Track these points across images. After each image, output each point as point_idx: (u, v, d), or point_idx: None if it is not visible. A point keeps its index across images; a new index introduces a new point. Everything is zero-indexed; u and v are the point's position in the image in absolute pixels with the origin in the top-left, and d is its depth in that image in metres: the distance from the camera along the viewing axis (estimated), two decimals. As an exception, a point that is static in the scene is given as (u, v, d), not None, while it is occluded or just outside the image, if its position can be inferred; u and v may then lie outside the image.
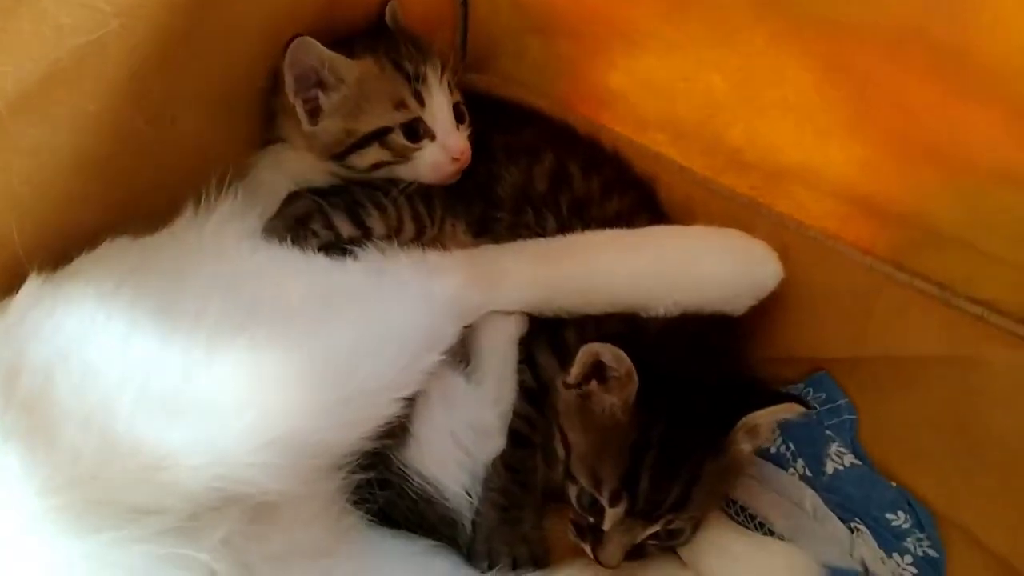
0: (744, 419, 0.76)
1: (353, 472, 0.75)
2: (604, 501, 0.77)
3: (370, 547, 0.80)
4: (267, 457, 0.63)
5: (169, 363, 0.65)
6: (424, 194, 0.93)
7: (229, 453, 0.63)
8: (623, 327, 0.84)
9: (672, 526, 0.78)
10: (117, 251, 0.76)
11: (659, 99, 0.99)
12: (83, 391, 0.63)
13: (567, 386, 0.81)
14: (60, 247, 0.76)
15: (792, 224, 0.93)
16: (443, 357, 0.80)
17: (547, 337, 0.89)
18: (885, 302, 0.87)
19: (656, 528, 0.78)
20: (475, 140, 0.96)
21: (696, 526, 0.81)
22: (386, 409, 0.73)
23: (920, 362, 0.86)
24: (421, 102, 0.91)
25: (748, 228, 0.93)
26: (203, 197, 0.84)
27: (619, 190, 0.96)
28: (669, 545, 0.82)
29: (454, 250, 0.90)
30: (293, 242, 0.85)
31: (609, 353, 0.76)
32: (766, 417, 0.78)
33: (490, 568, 0.83)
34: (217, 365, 0.66)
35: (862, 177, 0.86)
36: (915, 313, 0.86)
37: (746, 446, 0.80)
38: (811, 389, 0.94)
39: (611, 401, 0.78)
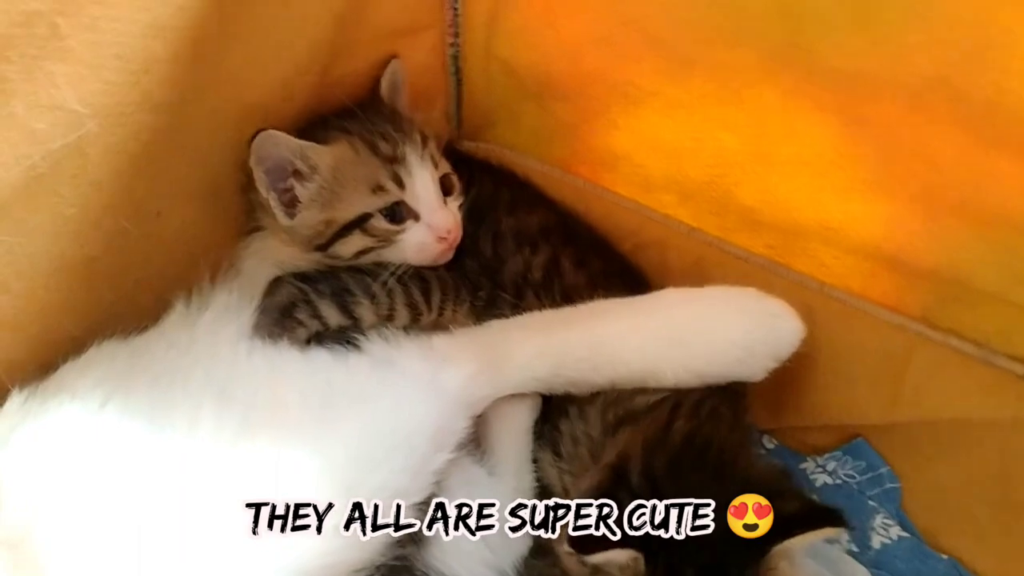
0: (775, 549, 0.67)
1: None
2: None
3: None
4: None
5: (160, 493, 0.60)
6: (420, 277, 0.87)
7: None
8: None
9: None
10: (104, 357, 0.72)
11: (665, 159, 0.94)
12: (68, 530, 0.58)
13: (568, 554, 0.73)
14: (44, 356, 0.71)
15: (813, 284, 0.88)
16: (453, 455, 0.75)
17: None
18: (918, 363, 0.83)
19: None
20: (482, 217, 0.92)
21: None
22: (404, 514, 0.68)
23: (959, 424, 0.81)
24: (400, 184, 0.85)
25: (766, 290, 0.87)
26: (194, 292, 0.79)
27: (604, 284, 0.90)
28: None
29: (456, 330, 0.84)
30: (282, 335, 0.79)
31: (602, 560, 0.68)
32: (801, 542, 0.68)
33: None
34: (222, 486, 0.61)
35: (886, 234, 0.82)
36: (951, 373, 0.81)
37: (784, 564, 0.69)
38: (850, 457, 0.89)
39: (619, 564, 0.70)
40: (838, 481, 0.89)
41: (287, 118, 0.86)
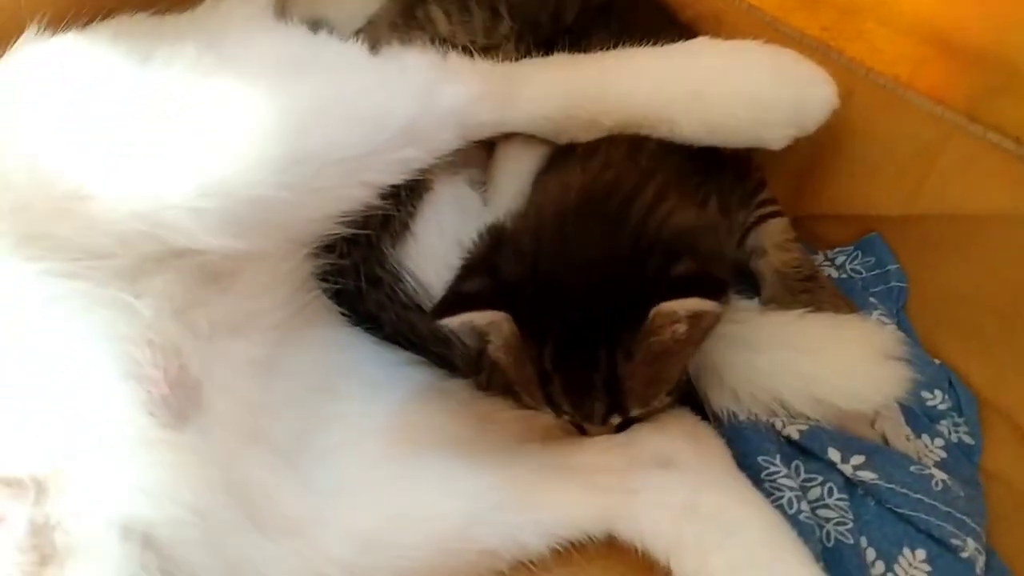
0: (652, 313, 0.63)
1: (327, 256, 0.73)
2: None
3: (344, 344, 0.78)
4: (196, 201, 0.60)
5: (114, 96, 0.63)
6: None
7: (152, 189, 0.60)
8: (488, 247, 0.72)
9: (636, 414, 0.71)
10: (130, 21, 0.75)
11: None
12: (17, 119, 0.62)
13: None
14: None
15: (861, 70, 0.82)
16: (433, 160, 0.75)
17: None
18: (950, 155, 0.77)
19: (617, 420, 0.72)
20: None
21: (671, 394, 0.73)
22: (352, 190, 0.69)
23: (980, 221, 0.76)
24: None
25: None
26: None
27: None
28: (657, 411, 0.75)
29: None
30: None
31: (457, 324, 0.68)
32: (678, 309, 0.63)
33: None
34: (161, 104, 0.63)
35: (938, 7, 0.76)
36: (982, 167, 0.75)
37: (680, 327, 0.65)
38: (860, 252, 0.85)
39: (498, 345, 0.70)
40: (844, 276, 0.85)
41: None
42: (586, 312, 0.65)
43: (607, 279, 0.66)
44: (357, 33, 0.86)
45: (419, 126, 0.74)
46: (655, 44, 0.82)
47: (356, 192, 0.70)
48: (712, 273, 0.64)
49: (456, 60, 0.80)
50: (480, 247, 0.73)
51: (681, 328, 0.65)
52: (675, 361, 0.69)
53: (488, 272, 0.69)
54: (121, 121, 0.62)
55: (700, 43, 0.79)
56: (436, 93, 0.76)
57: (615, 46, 0.81)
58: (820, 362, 0.72)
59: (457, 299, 0.69)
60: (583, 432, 0.76)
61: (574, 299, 0.66)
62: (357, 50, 0.76)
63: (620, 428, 0.75)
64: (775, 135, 0.76)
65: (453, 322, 0.69)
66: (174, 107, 0.64)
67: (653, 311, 0.63)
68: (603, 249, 0.67)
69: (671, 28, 0.90)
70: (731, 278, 0.69)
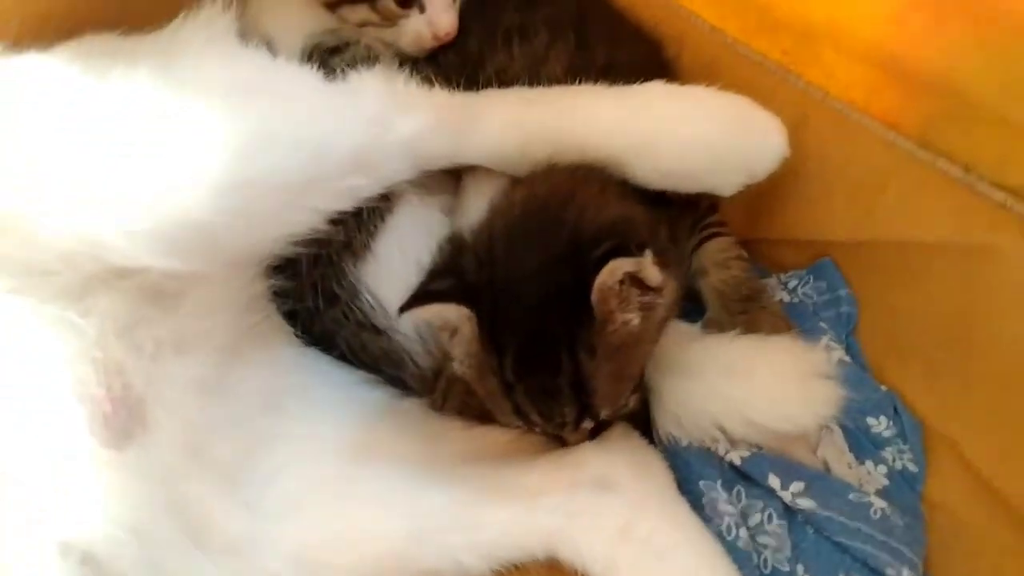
0: (593, 299, 0.65)
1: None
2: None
3: (294, 364, 0.78)
4: (133, 224, 0.61)
5: (59, 117, 0.63)
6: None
7: (91, 210, 0.61)
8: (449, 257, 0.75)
9: (606, 416, 0.72)
10: (96, 39, 0.75)
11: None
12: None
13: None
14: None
15: (817, 94, 0.83)
16: (383, 188, 0.76)
17: None
18: (901, 181, 0.77)
19: (590, 425, 0.73)
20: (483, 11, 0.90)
21: (634, 392, 0.74)
22: (296, 215, 0.70)
23: (927, 249, 0.76)
24: None
25: (771, 96, 0.83)
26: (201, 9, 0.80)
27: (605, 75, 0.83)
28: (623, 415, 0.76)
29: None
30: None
31: (424, 315, 0.71)
32: (607, 280, 0.64)
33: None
34: (105, 127, 0.64)
35: (889, 34, 0.76)
36: (930, 194, 0.75)
37: (631, 317, 0.67)
38: (812, 276, 0.86)
39: (462, 358, 0.72)
40: (796, 299, 0.85)
41: None
42: (541, 319, 0.67)
43: (554, 283, 0.68)
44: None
45: (369, 155, 0.74)
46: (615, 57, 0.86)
47: (300, 217, 0.71)
48: (626, 239, 0.66)
49: (413, 90, 0.80)
50: (444, 254, 0.76)
51: (634, 320, 0.67)
52: (636, 355, 0.71)
53: (454, 275, 0.72)
54: (64, 142, 0.63)
55: (654, 88, 0.79)
56: (389, 123, 0.76)
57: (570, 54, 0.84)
58: (749, 385, 0.73)
59: (426, 295, 0.71)
60: (563, 444, 0.77)
61: (527, 308, 0.68)
62: (311, 76, 0.76)
63: (593, 434, 0.76)
64: (726, 182, 0.77)
65: (422, 314, 0.71)
66: (117, 129, 0.64)
67: (593, 296, 0.65)
68: (546, 255, 0.69)
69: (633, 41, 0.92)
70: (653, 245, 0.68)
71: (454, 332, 0.71)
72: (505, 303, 0.68)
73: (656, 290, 0.67)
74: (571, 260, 0.67)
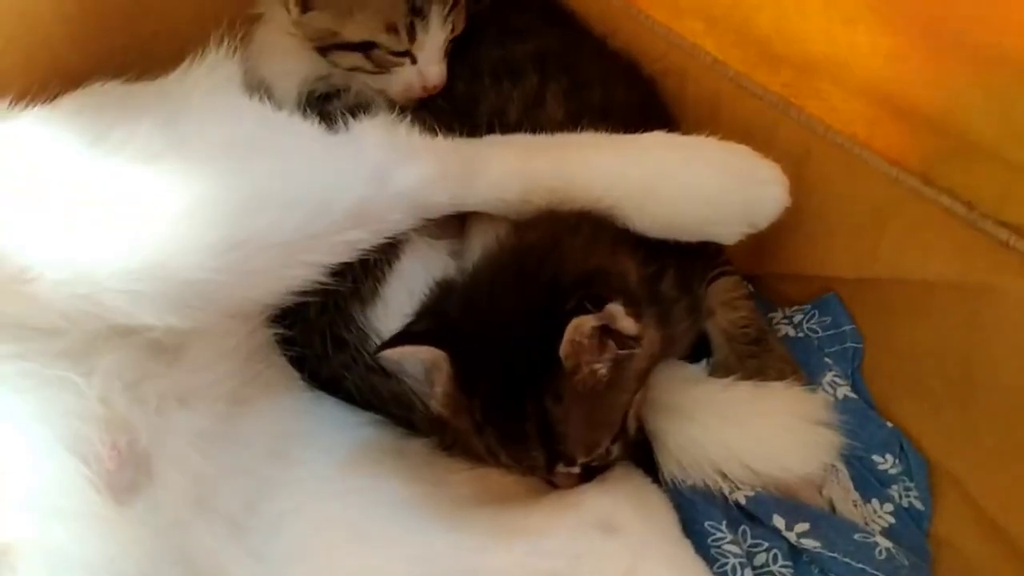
0: (561, 353, 0.65)
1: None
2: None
3: (299, 409, 0.79)
4: (133, 285, 0.62)
5: (61, 179, 0.65)
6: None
7: (90, 272, 0.62)
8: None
9: (589, 461, 0.73)
10: (99, 91, 0.77)
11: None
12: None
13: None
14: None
15: (820, 128, 0.83)
16: (381, 240, 0.75)
17: None
18: (904, 218, 0.77)
19: (569, 470, 0.73)
20: (464, 51, 0.91)
21: (616, 442, 0.73)
22: (293, 271, 0.70)
23: (929, 287, 0.76)
24: (412, 37, 0.85)
25: (773, 130, 0.85)
26: (205, 54, 0.82)
27: (601, 117, 0.83)
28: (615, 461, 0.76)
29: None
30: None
31: (397, 355, 0.72)
32: (574, 336, 0.65)
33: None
34: (106, 188, 0.65)
35: (888, 71, 0.75)
36: (933, 232, 0.76)
37: (598, 366, 0.67)
38: (817, 311, 0.85)
39: (439, 397, 0.72)
40: (800, 334, 0.85)
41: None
42: (511, 364, 0.68)
43: (527, 330, 0.68)
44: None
45: (369, 208, 0.74)
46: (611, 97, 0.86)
47: (298, 272, 0.71)
48: (597, 291, 0.66)
49: (415, 139, 0.79)
50: (430, 296, 0.77)
51: (601, 369, 0.67)
52: (609, 404, 0.71)
53: (436, 317, 0.73)
54: (66, 204, 0.64)
55: (654, 138, 0.79)
56: (390, 174, 0.76)
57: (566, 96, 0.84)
58: (747, 433, 0.74)
59: (400, 336, 0.72)
60: (554, 486, 0.78)
61: (500, 352, 0.69)
62: (312, 130, 0.76)
63: (587, 477, 0.76)
64: (727, 232, 0.77)
65: (393, 354, 0.72)
66: (118, 191, 0.66)
67: (561, 350, 0.65)
68: (523, 302, 0.70)
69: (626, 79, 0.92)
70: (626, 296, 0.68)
71: (439, 370, 0.72)
72: (481, 346, 0.70)
73: (635, 338, 0.67)
74: (545, 310, 0.67)
